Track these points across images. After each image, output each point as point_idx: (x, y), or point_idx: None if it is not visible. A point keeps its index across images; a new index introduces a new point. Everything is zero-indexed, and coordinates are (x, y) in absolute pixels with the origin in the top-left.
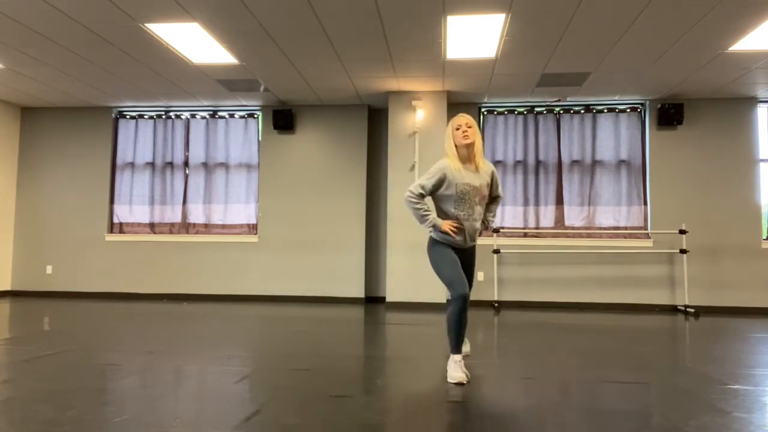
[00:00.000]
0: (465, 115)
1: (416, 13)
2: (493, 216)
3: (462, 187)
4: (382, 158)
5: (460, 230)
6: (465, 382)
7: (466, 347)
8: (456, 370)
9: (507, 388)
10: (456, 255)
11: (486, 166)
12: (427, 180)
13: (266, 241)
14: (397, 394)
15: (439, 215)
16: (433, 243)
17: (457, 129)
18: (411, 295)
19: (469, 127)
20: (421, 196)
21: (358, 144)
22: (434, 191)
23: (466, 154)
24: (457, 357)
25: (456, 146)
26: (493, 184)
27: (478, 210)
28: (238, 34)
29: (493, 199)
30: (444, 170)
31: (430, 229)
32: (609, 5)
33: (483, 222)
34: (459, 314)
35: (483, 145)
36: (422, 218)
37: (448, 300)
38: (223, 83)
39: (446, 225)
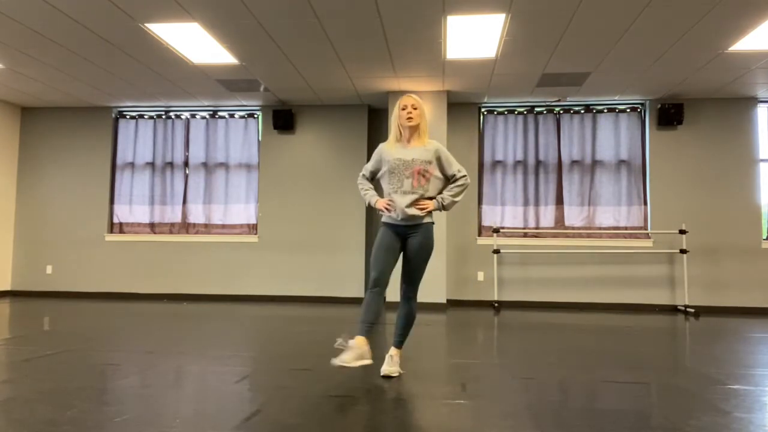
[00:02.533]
0: (412, 95)
1: (416, 13)
2: (453, 195)
3: (392, 162)
4: None
5: (390, 206)
6: (345, 363)
7: (394, 367)
8: (346, 353)
9: (507, 388)
10: (400, 241)
11: (429, 145)
12: (369, 163)
13: (266, 241)
14: (397, 393)
15: (382, 195)
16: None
17: (403, 109)
18: None
19: (414, 108)
20: (364, 177)
21: (358, 144)
22: (375, 172)
23: (408, 134)
24: (353, 341)
25: (399, 126)
26: (442, 162)
27: (408, 183)
28: (238, 34)
29: (453, 180)
30: (380, 151)
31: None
32: (609, 5)
33: (436, 200)
34: (370, 298)
35: (481, 143)
36: (364, 197)
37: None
38: (223, 83)
39: (380, 203)
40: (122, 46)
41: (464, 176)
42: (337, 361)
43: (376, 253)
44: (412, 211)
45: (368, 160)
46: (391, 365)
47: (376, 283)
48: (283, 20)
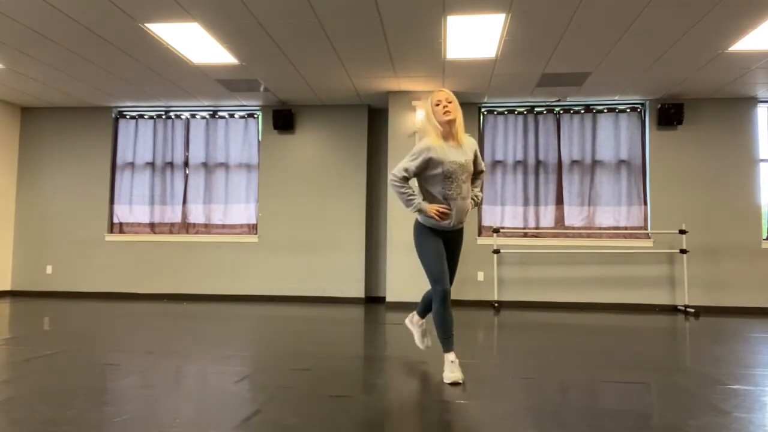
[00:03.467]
0: (444, 89)
1: (416, 13)
2: (480, 191)
3: (449, 165)
4: (382, 158)
5: (447, 214)
6: (461, 381)
7: (427, 340)
8: (451, 370)
9: (507, 388)
10: (442, 241)
11: (468, 141)
12: (411, 162)
13: (266, 241)
14: (397, 394)
15: (425, 197)
16: (419, 227)
17: (437, 105)
18: (411, 295)
19: (449, 102)
20: (405, 179)
21: (358, 144)
22: (418, 173)
23: (449, 131)
24: (451, 356)
25: (438, 123)
26: (476, 159)
27: (466, 188)
28: (238, 34)
29: (477, 174)
30: (429, 150)
31: (416, 212)
32: (609, 5)
33: (472, 199)
34: (443, 311)
35: (481, 143)
36: (408, 202)
37: (428, 292)
38: (223, 83)
39: (432, 209)
40: (122, 46)
41: (483, 171)
42: (449, 381)
43: (439, 264)
44: (463, 215)
45: (368, 159)
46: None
47: (447, 293)
48: (283, 20)
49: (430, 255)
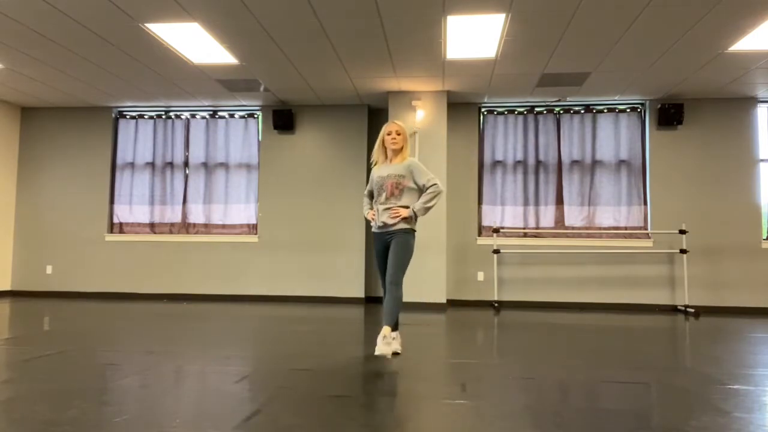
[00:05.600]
0: (397, 122)
1: (416, 13)
2: (424, 203)
3: (377, 179)
4: None
5: (375, 217)
6: (389, 355)
7: (395, 345)
8: (386, 343)
9: (507, 388)
10: (379, 245)
11: (406, 162)
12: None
13: (266, 241)
14: (397, 394)
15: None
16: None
17: (388, 134)
18: (411, 295)
19: (398, 134)
20: (366, 196)
21: (358, 144)
22: (371, 191)
23: (392, 154)
24: (387, 331)
25: (384, 147)
26: (414, 175)
27: (384, 196)
28: (237, 34)
29: (425, 189)
30: (371, 173)
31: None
32: (609, 5)
33: (411, 208)
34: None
35: (481, 143)
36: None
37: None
38: (223, 83)
39: (369, 214)
40: (122, 46)
41: (434, 185)
42: (380, 352)
43: (377, 261)
44: (386, 218)
45: (368, 160)
46: (388, 344)
47: (389, 284)
48: (283, 20)
49: (375, 256)
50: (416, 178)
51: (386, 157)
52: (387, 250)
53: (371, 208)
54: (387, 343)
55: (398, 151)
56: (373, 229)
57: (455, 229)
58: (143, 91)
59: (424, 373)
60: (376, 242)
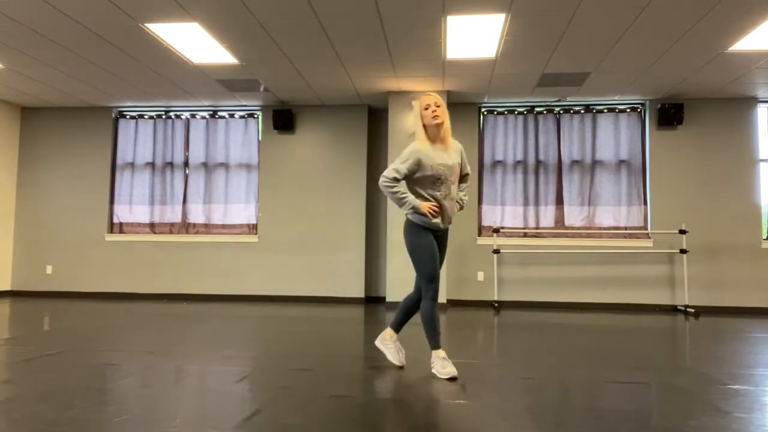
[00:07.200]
0: (433, 93)
1: (416, 13)
2: (465, 195)
3: (437, 168)
4: (382, 158)
5: (438, 212)
6: (456, 375)
7: (402, 355)
8: (443, 366)
9: (507, 388)
10: (433, 242)
11: (455, 145)
12: (402, 164)
13: (266, 241)
14: (397, 394)
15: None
16: (411, 226)
17: (426, 108)
18: None
19: (438, 106)
20: (396, 180)
21: (358, 144)
22: (409, 175)
23: (436, 134)
24: (442, 353)
25: (425, 126)
26: (462, 162)
27: (454, 189)
28: (238, 34)
29: (462, 177)
30: (417, 153)
31: (408, 211)
32: (609, 5)
33: (457, 202)
34: (436, 309)
35: (481, 143)
36: (400, 201)
37: (418, 290)
38: (223, 83)
39: (426, 206)
40: (122, 46)
41: (468, 174)
42: (447, 376)
43: (432, 262)
44: (451, 213)
45: (368, 159)
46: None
47: (438, 292)
48: (283, 20)
49: (427, 255)
50: (463, 166)
51: (428, 137)
52: (437, 242)
53: (427, 199)
54: (449, 362)
55: (441, 127)
56: (423, 223)
57: (455, 229)
58: (143, 91)
59: (424, 373)
60: (431, 241)
